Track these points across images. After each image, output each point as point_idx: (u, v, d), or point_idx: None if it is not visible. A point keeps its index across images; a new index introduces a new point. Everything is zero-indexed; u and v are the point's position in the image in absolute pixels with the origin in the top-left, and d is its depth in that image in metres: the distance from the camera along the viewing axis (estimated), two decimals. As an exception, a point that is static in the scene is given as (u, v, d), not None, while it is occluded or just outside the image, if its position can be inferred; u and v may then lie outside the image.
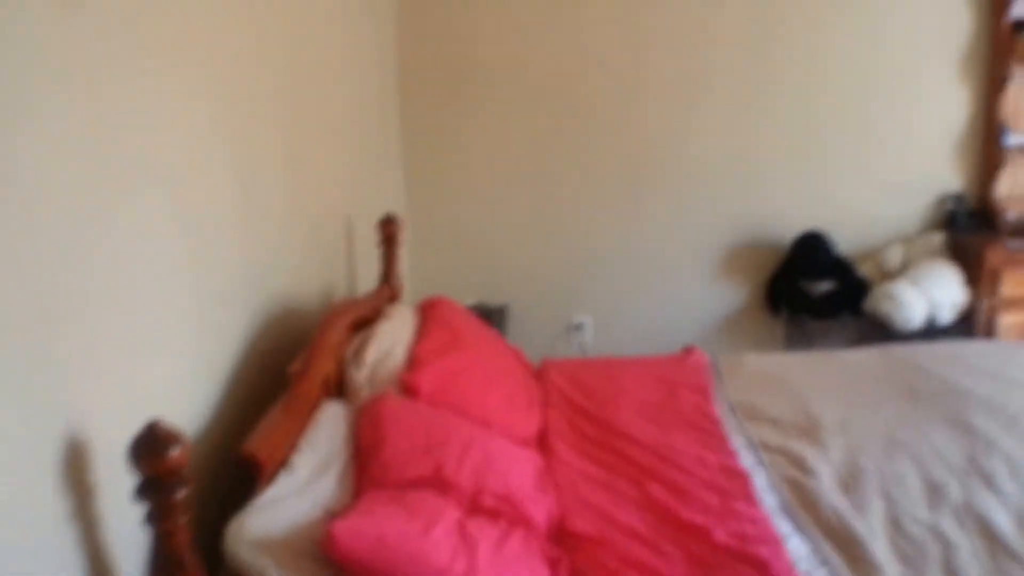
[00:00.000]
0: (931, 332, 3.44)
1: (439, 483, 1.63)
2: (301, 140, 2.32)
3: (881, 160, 3.76)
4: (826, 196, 3.78)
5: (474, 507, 1.63)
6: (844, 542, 1.79)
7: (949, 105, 3.71)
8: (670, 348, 3.06)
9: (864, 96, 3.70)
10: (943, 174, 3.78)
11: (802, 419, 2.35)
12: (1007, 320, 3.49)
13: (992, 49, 3.61)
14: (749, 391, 2.54)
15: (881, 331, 3.47)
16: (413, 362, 2.10)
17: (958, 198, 3.75)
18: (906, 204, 3.80)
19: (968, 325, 3.51)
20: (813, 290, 3.60)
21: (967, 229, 3.67)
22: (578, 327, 3.91)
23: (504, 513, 1.66)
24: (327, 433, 1.73)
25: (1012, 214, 3.67)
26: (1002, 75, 3.57)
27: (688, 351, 2.80)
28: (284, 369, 1.79)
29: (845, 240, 3.73)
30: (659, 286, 3.88)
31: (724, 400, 2.49)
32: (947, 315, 3.46)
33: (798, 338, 3.74)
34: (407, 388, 1.98)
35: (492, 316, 3.52)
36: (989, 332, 3.48)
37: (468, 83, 3.70)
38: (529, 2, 3.64)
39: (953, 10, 3.62)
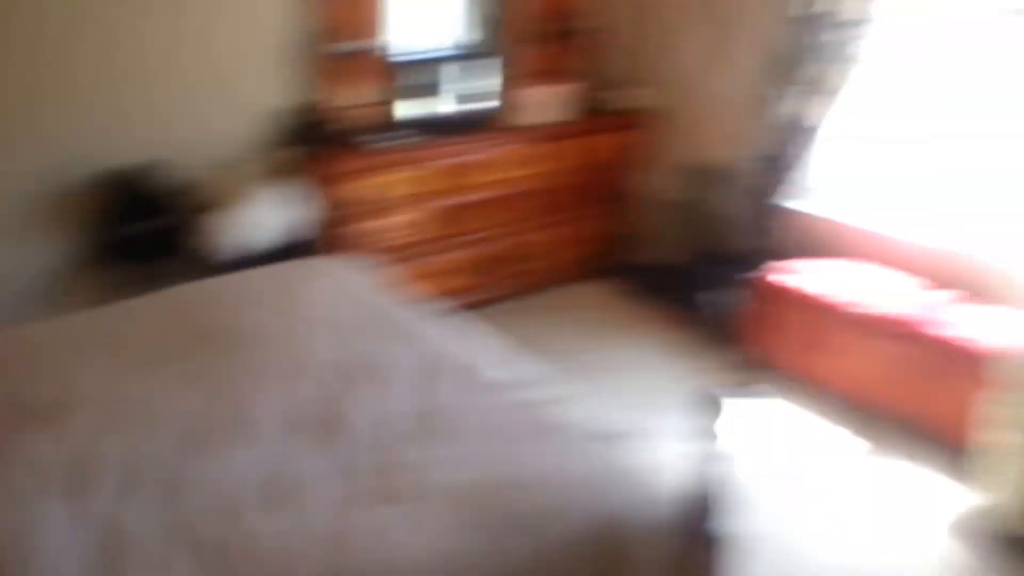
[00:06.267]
0: (270, 256, 3.36)
1: None
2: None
3: (213, 80, 3.56)
4: (158, 121, 3.47)
5: None
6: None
7: (273, 16, 3.62)
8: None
9: (183, 10, 3.41)
10: (275, 88, 3.70)
11: (58, 393, 2.06)
12: (354, 229, 3.59)
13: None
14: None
15: (210, 266, 3.30)
16: None
17: (298, 111, 3.70)
18: (244, 123, 3.66)
19: (313, 242, 3.52)
20: (133, 232, 3.27)
21: (310, 142, 3.65)
22: None
23: None
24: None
25: (350, 122, 3.73)
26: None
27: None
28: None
29: (192, 169, 3.48)
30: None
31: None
32: (273, 236, 3.40)
33: (137, 288, 3.40)
34: None
35: None
36: (335, 246, 3.54)
37: None
38: None
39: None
